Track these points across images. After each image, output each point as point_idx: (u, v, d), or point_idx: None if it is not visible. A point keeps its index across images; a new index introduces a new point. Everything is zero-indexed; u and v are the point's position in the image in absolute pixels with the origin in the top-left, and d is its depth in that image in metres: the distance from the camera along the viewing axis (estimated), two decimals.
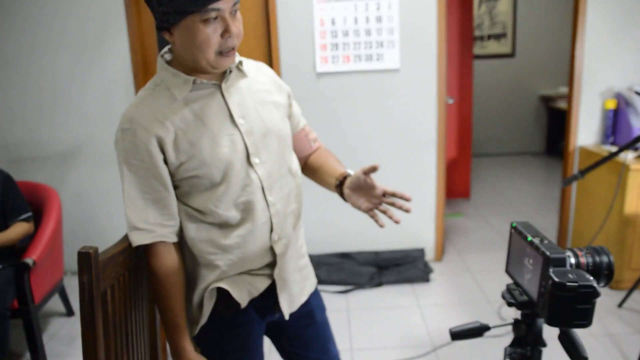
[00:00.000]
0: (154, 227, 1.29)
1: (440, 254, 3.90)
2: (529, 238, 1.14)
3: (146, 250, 1.32)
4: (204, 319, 1.39)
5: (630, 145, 2.69)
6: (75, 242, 3.53)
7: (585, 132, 3.73)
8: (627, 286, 3.27)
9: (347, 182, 1.44)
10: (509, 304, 1.18)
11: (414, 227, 3.79)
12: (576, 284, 1.01)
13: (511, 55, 6.99)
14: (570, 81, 3.70)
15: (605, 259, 1.12)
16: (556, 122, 6.88)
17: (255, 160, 1.34)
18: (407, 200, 1.38)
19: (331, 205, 3.29)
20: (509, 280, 1.24)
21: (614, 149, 3.49)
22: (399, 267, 3.62)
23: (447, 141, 5.03)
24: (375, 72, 3.55)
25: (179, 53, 1.28)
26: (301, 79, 3.50)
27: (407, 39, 3.49)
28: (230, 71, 1.35)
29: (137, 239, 1.28)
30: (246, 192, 1.32)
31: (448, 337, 2.02)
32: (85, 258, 1.15)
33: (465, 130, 5.19)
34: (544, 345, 1.19)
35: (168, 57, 1.34)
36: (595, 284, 1.01)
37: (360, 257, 3.69)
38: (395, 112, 3.63)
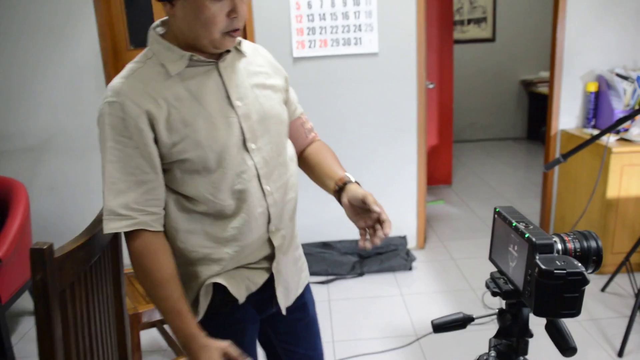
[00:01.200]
0: (135, 213, 1.16)
1: (422, 242, 3.85)
2: (514, 223, 1.07)
3: (127, 240, 1.19)
4: (198, 317, 1.29)
5: (612, 128, 2.64)
6: (46, 238, 3.42)
7: (567, 115, 3.69)
8: (610, 270, 3.25)
9: (348, 192, 1.32)
10: (494, 294, 1.12)
11: (396, 214, 3.73)
12: (564, 272, 0.95)
13: (491, 39, 6.95)
14: (551, 64, 3.65)
15: (593, 243, 1.06)
16: (537, 106, 6.87)
17: (251, 145, 1.25)
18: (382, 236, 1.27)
19: (311, 194, 3.23)
20: (493, 268, 1.18)
21: (595, 132, 3.46)
22: (380, 256, 3.56)
23: (428, 127, 4.98)
24: (354, 57, 3.46)
25: (178, 28, 1.19)
26: None
27: (386, 22, 3.41)
28: (229, 51, 1.26)
29: (114, 226, 1.16)
30: (241, 179, 1.23)
31: (429, 328, 1.98)
32: (38, 255, 1.07)
33: (446, 116, 5.14)
34: (531, 335, 1.13)
35: (160, 30, 1.25)
36: (584, 271, 0.95)
37: (341, 246, 3.63)
38: (375, 97, 3.55)
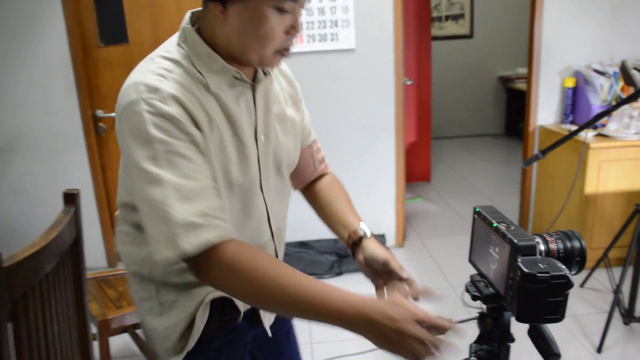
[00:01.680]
0: (216, 220, 0.96)
1: (401, 240, 3.81)
2: (494, 224, 1.02)
3: (208, 258, 0.94)
4: (192, 342, 1.13)
5: (590, 124, 2.62)
6: (12, 242, 3.31)
7: (545, 111, 3.68)
8: (589, 266, 3.24)
9: (366, 250, 1.21)
10: (474, 298, 1.06)
11: (374, 212, 3.68)
12: (548, 275, 0.90)
13: (469, 36, 6.95)
14: (529, 60, 3.63)
15: (576, 244, 1.01)
16: (515, 103, 6.89)
17: (264, 184, 1.16)
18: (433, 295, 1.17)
19: None
20: (472, 267, 1.13)
21: (573, 127, 3.45)
22: None
23: (406, 124, 4.94)
24: (330, 53, 3.40)
25: (224, 34, 1.02)
26: None
27: (363, 17, 3.36)
28: (265, 73, 1.13)
29: (199, 239, 0.92)
30: (252, 216, 1.15)
31: None
32: None
33: (425, 112, 5.12)
34: (512, 340, 1.08)
35: (180, 30, 1.08)
36: (568, 274, 0.90)
37: (319, 245, 3.57)
38: (352, 94, 3.49)
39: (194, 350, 1.14)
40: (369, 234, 1.23)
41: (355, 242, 1.23)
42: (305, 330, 2.83)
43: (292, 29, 1.04)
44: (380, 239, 3.62)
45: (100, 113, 3.31)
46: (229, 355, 1.20)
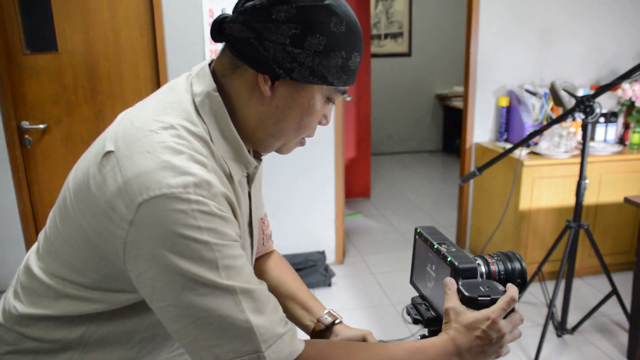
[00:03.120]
0: (290, 322, 0.86)
1: (341, 257, 3.78)
2: (435, 246, 1.00)
3: None
4: None
5: (523, 143, 2.70)
6: None
7: (481, 129, 3.77)
8: None
9: (341, 336, 1.13)
10: (415, 321, 1.03)
11: (314, 229, 3.65)
12: (488, 299, 0.89)
13: (408, 54, 7.09)
14: (465, 79, 3.72)
15: (517, 265, 1.00)
16: (452, 120, 7.07)
17: None
18: None
19: None
20: (414, 288, 1.11)
21: (508, 145, 3.54)
22: (299, 272, 3.45)
23: (345, 140, 4.95)
24: None
25: (258, 113, 0.89)
26: None
27: None
28: (261, 160, 1.02)
29: (285, 353, 0.81)
30: None
31: None
32: None
33: (364, 129, 5.15)
34: None
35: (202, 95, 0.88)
36: None
37: None
38: None
39: None
40: (338, 320, 1.15)
41: (326, 327, 1.15)
42: None
43: (324, 119, 0.96)
44: (320, 255, 3.58)
45: (26, 125, 3.12)
46: None
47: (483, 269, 0.99)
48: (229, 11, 3.16)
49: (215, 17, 3.09)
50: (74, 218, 0.85)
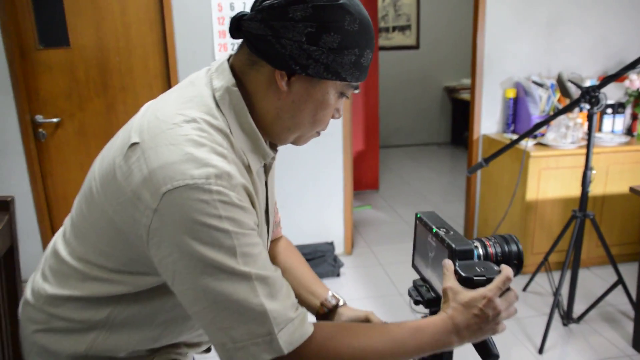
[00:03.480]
0: (301, 307, 0.90)
1: (350, 248, 3.83)
2: (434, 229, 1.04)
3: (299, 354, 0.85)
4: None
5: (529, 134, 2.72)
6: None
7: (488, 120, 3.79)
8: (530, 270, 3.35)
9: (344, 317, 1.17)
10: (416, 302, 1.08)
11: (323, 220, 3.69)
12: (484, 278, 0.93)
13: (416, 47, 7.09)
14: (472, 71, 3.74)
15: (514, 247, 1.04)
16: (460, 112, 7.08)
17: None
18: None
19: None
20: (415, 272, 1.15)
21: (515, 136, 3.56)
22: (309, 263, 3.49)
23: (354, 132, 4.99)
24: None
25: (275, 107, 0.92)
26: (198, 67, 3.25)
27: None
28: (277, 150, 1.06)
29: (295, 336, 0.84)
30: None
31: None
32: None
33: (372, 121, 5.18)
34: None
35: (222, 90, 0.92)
36: None
37: None
38: None
39: None
40: (341, 302, 1.20)
41: (330, 310, 1.20)
42: None
43: (337, 112, 0.99)
44: (329, 246, 3.63)
45: (39, 118, 3.19)
46: None
47: (480, 251, 1.03)
48: (238, 6, 3.21)
49: (225, 12, 3.17)
50: (100, 205, 0.90)
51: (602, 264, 3.51)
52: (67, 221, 1.02)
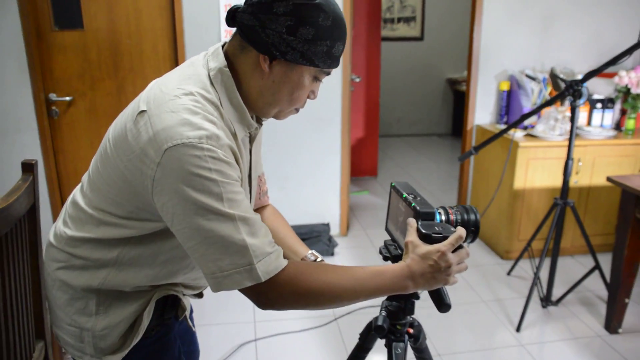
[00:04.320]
0: (277, 245, 1.06)
1: (345, 229, 4.00)
2: (404, 195, 1.20)
3: (275, 278, 1.02)
4: (135, 340, 1.20)
5: (516, 124, 2.87)
6: None
7: (482, 111, 3.94)
8: (516, 256, 3.51)
9: None
10: (385, 258, 1.24)
11: (320, 202, 3.86)
12: (440, 236, 1.08)
13: (420, 38, 7.22)
14: (468, 64, 3.88)
15: (472, 216, 1.20)
16: (462, 104, 7.19)
17: None
18: None
19: None
20: (387, 234, 1.31)
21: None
22: (304, 242, 3.66)
23: (354, 120, 5.14)
24: None
25: (258, 86, 1.09)
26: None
27: None
28: (262, 123, 1.24)
29: (271, 267, 1.01)
30: None
31: (348, 308, 2.11)
32: None
33: (373, 110, 5.32)
34: (418, 297, 1.26)
35: (215, 70, 1.09)
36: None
37: None
38: None
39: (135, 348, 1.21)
40: (320, 259, 1.35)
41: None
42: (249, 310, 2.97)
43: (312, 94, 1.15)
44: (325, 227, 3.79)
45: (53, 97, 3.36)
46: (163, 345, 1.30)
47: (443, 217, 1.19)
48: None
49: (230, 3, 3.29)
50: (112, 162, 1.08)
51: (586, 252, 3.67)
52: (85, 177, 1.21)
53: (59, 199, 3.54)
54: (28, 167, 1.43)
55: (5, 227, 1.26)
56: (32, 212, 1.46)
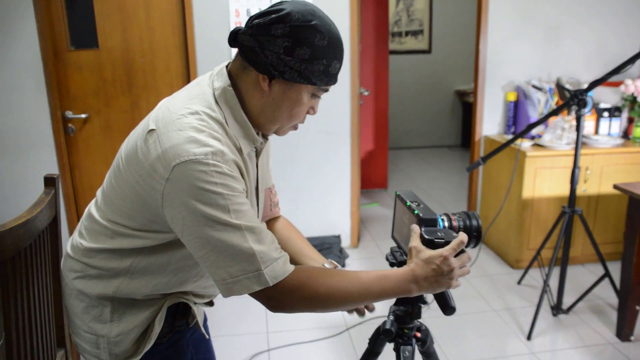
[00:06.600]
0: (284, 251, 1.12)
1: (356, 241, 4.04)
2: (408, 203, 1.25)
3: (282, 282, 1.07)
4: (147, 346, 1.25)
5: (522, 134, 2.91)
6: None
7: (490, 122, 3.98)
8: (526, 265, 3.53)
9: None
10: (391, 264, 1.29)
11: (331, 214, 3.91)
12: (443, 241, 1.13)
13: (428, 51, 7.29)
14: (475, 75, 3.94)
15: (475, 222, 1.24)
16: (470, 115, 7.22)
17: None
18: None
19: None
20: (394, 241, 1.36)
21: None
22: None
23: (364, 133, 5.20)
24: None
25: (260, 104, 1.15)
26: None
27: None
28: (267, 138, 1.30)
29: (279, 272, 1.07)
30: None
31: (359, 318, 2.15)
32: None
33: (382, 122, 5.38)
34: (425, 302, 1.31)
35: (220, 89, 1.16)
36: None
37: None
38: None
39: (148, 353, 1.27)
40: (338, 267, 1.39)
41: None
42: (262, 320, 3.02)
43: (312, 110, 1.21)
44: (336, 239, 3.84)
45: (69, 114, 3.45)
46: (175, 352, 1.35)
47: (446, 223, 1.24)
48: (253, 11, 3.46)
49: (242, 18, 3.43)
50: (125, 177, 1.15)
51: (596, 260, 3.67)
52: (99, 192, 1.29)
53: (75, 213, 3.63)
54: (50, 181, 1.51)
55: (29, 238, 1.33)
56: (54, 224, 1.53)
